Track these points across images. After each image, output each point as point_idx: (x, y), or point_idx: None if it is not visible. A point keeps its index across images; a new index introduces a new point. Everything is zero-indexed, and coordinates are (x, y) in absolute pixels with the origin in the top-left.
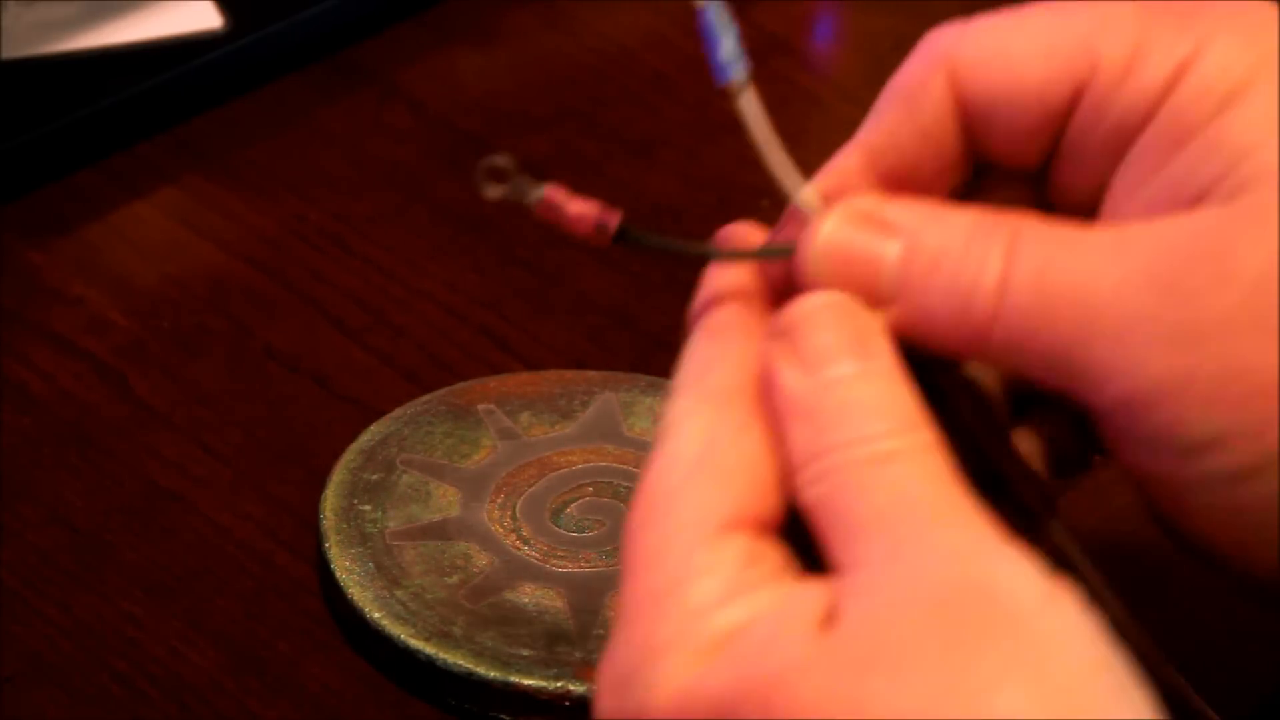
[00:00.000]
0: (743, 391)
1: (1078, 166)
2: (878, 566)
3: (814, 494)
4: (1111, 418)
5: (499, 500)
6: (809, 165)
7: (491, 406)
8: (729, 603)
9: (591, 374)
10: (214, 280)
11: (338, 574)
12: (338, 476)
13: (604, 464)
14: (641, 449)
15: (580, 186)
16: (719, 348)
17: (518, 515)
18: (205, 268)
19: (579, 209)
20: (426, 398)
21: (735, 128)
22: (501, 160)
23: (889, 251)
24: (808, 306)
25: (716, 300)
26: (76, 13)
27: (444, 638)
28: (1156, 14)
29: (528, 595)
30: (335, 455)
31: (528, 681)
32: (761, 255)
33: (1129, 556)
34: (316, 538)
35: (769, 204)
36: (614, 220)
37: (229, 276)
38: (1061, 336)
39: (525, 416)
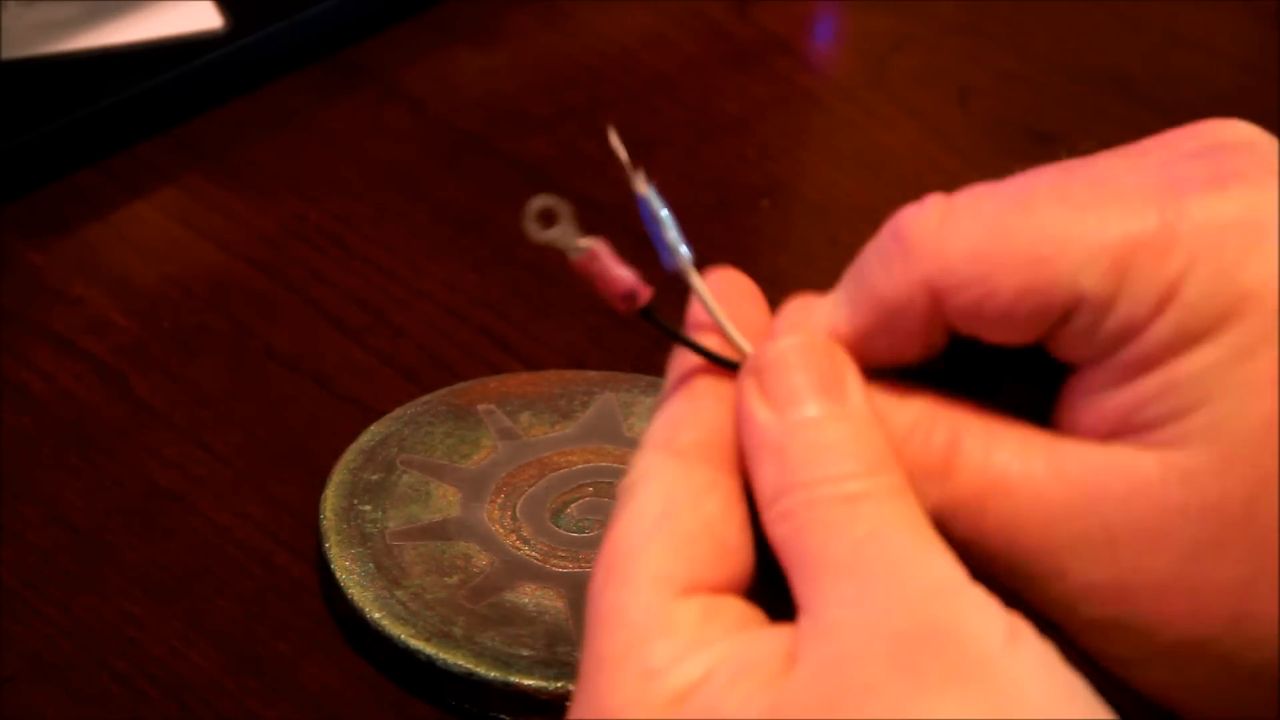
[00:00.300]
0: (711, 452)
1: (1054, 352)
2: (843, 608)
3: (781, 531)
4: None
5: (499, 500)
6: (809, 164)
7: (491, 406)
8: (685, 659)
9: (591, 374)
10: (214, 280)
11: (338, 574)
12: (338, 476)
13: (604, 464)
14: None
15: (580, 186)
16: (692, 407)
17: (518, 515)
18: (205, 268)
19: (621, 272)
20: (426, 398)
21: (735, 128)
22: (554, 203)
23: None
24: (781, 346)
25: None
26: (76, 13)
27: (444, 638)
28: (1141, 240)
29: (528, 595)
30: (335, 455)
31: (528, 681)
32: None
33: None
34: (316, 538)
35: (769, 204)
36: (646, 294)
37: (229, 276)
38: (994, 555)
39: (525, 416)
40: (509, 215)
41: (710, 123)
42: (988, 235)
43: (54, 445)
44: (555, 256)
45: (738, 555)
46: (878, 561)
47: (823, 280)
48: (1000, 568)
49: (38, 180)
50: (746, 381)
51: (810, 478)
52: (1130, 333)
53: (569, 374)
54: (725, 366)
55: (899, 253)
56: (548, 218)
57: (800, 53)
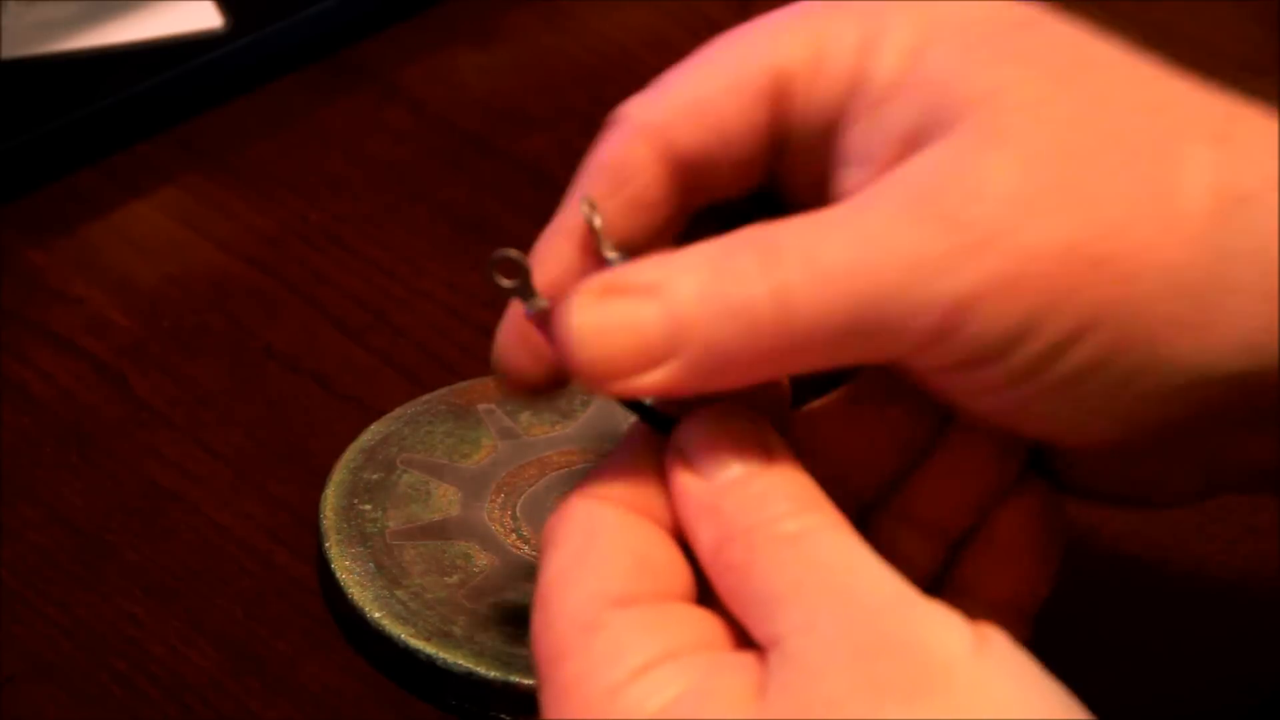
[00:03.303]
0: (633, 500)
1: (806, 176)
2: (799, 636)
3: (727, 583)
4: (927, 359)
5: (499, 500)
6: None
7: (491, 406)
8: (643, 677)
9: None
10: (214, 280)
11: (338, 574)
12: (338, 476)
13: None
14: None
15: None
16: (621, 462)
17: (518, 515)
18: (205, 268)
19: None
20: (427, 397)
21: None
22: (517, 257)
23: (647, 313)
24: (700, 420)
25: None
26: (76, 13)
27: (444, 637)
28: (830, 12)
29: (528, 595)
30: (335, 455)
31: (528, 681)
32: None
33: (1129, 556)
34: (316, 538)
35: None
36: None
37: (229, 276)
38: (851, 305)
39: (525, 416)
40: (509, 215)
41: None
42: (690, 70)
43: (54, 445)
44: None
45: (667, 571)
46: (825, 588)
47: None
48: (860, 323)
49: (38, 180)
50: (672, 458)
51: (746, 524)
52: (846, 84)
53: None
54: (666, 430)
55: (616, 122)
56: (509, 270)
57: None
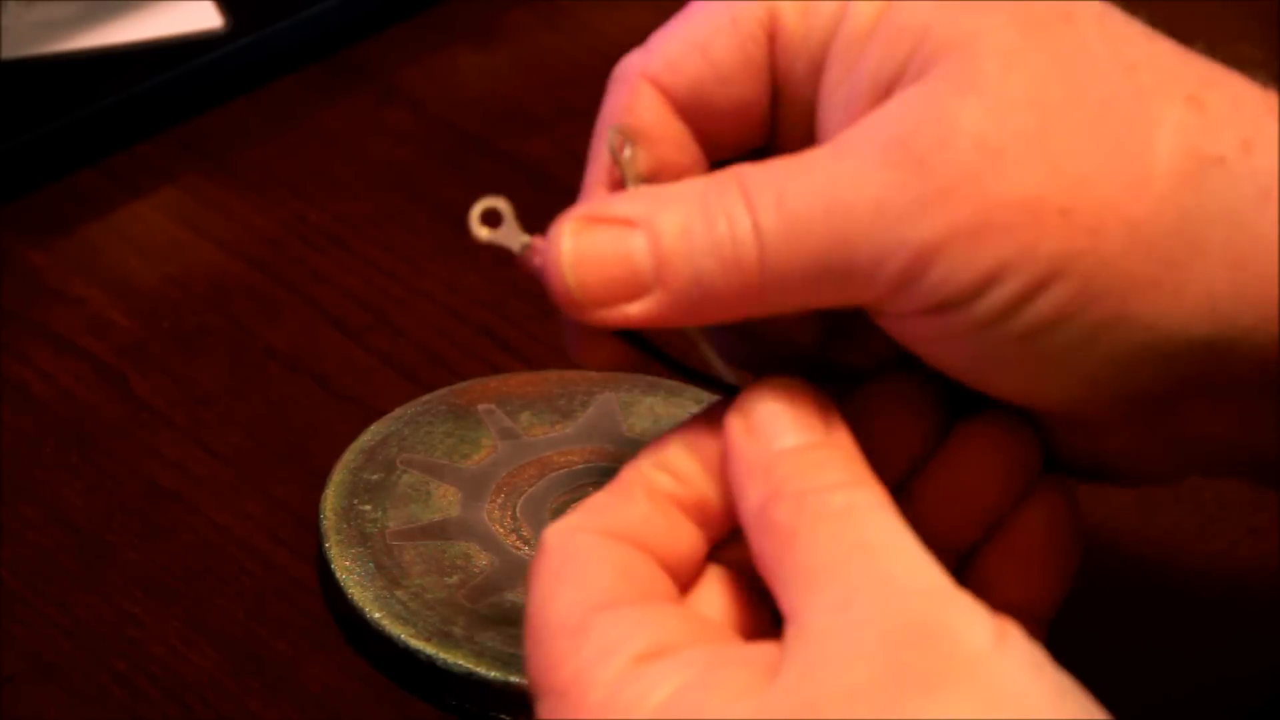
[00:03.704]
0: (605, 526)
1: (802, 125)
2: (830, 614)
3: (767, 545)
4: (897, 304)
5: (499, 500)
6: None
7: (492, 406)
8: (642, 672)
9: (591, 374)
10: (214, 280)
11: (338, 574)
12: (338, 476)
13: (604, 464)
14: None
15: (579, 186)
16: (598, 498)
17: (518, 515)
18: (205, 268)
19: None
20: (427, 398)
21: None
22: (498, 203)
23: (635, 244)
24: (764, 387)
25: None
26: (76, 13)
27: (444, 638)
28: None
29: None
30: (335, 455)
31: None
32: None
33: (1129, 556)
34: (316, 538)
35: None
36: None
37: (229, 276)
38: (823, 247)
39: (525, 416)
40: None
41: None
42: (683, 18)
43: (54, 445)
44: None
45: (650, 578)
46: (866, 568)
47: None
48: (832, 262)
49: (38, 180)
50: (733, 418)
51: (798, 489)
52: (831, 25)
53: (569, 374)
54: (719, 390)
55: (616, 77)
56: (492, 219)
57: None
